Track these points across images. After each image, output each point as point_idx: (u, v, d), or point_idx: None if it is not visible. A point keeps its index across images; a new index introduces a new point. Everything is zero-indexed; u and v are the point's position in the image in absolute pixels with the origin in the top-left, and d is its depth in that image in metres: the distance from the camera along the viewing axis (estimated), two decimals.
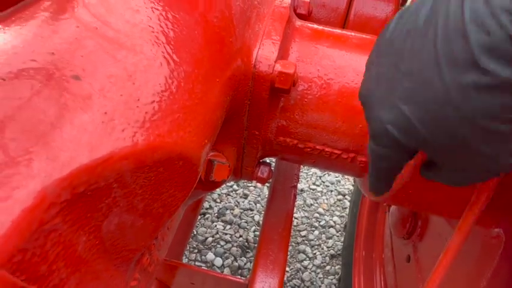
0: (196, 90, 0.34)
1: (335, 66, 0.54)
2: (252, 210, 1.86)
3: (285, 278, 1.34)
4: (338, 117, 0.54)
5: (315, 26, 0.61)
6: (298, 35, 0.57)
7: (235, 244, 1.71)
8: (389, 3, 0.78)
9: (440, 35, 0.24)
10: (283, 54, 0.53)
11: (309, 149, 0.58)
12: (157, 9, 0.34)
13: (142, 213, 0.31)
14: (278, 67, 0.48)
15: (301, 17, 0.65)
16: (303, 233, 1.82)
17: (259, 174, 0.66)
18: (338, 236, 1.83)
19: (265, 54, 0.48)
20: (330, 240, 1.81)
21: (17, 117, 0.21)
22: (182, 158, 0.31)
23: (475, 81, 0.22)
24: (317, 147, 0.57)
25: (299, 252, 1.74)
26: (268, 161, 0.79)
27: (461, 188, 0.36)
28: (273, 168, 0.73)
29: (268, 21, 0.52)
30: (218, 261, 1.63)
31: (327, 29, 0.61)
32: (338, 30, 0.60)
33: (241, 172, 0.65)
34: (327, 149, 0.57)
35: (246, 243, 1.73)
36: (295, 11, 0.64)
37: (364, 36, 0.60)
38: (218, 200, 1.88)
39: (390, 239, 1.00)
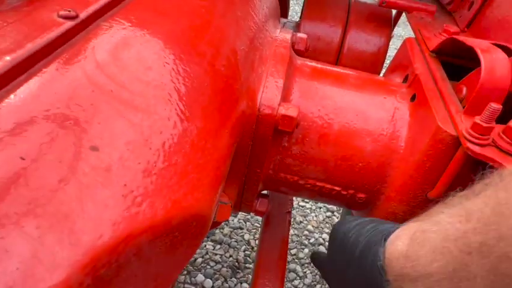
0: (208, 146, 0.34)
1: (335, 106, 0.55)
2: (241, 228, 1.84)
3: None
4: (338, 155, 0.55)
5: (314, 64, 0.62)
6: (299, 74, 0.58)
7: (225, 265, 1.68)
8: (381, 37, 0.81)
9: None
10: (285, 95, 0.54)
11: (309, 186, 0.59)
12: (168, 64, 0.35)
13: (154, 277, 0.30)
14: (282, 110, 0.48)
15: (298, 52, 0.66)
16: (293, 251, 1.82)
17: (257, 207, 0.66)
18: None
19: (269, 97, 0.49)
20: None
21: (38, 201, 0.21)
22: (197, 218, 0.31)
23: None
24: (317, 184, 0.58)
25: (290, 272, 1.73)
26: (265, 191, 0.79)
27: None
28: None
29: (270, 63, 0.53)
30: (208, 283, 1.60)
31: (325, 67, 0.62)
32: (335, 68, 0.62)
33: (241, 206, 0.65)
34: (327, 186, 0.58)
35: (236, 264, 1.70)
36: (293, 46, 0.66)
37: (359, 74, 0.62)
38: None
39: None
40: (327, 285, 1.70)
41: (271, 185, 0.62)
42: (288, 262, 1.76)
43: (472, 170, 0.46)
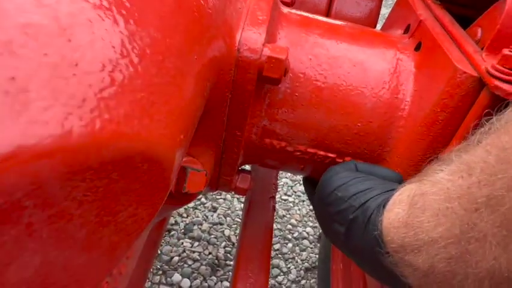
0: (167, 65, 0.24)
1: (329, 55, 0.46)
2: (221, 224, 1.74)
3: None
4: (333, 114, 0.46)
5: (304, 13, 0.53)
6: (286, 20, 0.49)
7: (204, 262, 1.57)
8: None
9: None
10: (271, 39, 0.44)
11: (299, 153, 0.50)
12: None
13: (84, 246, 0.20)
14: (267, 51, 0.39)
15: (284, 2, 0.57)
16: (277, 246, 1.73)
17: (238, 184, 0.57)
18: (311, 248, 1.76)
19: (251, 36, 0.39)
20: (304, 253, 1.73)
21: None
22: (148, 158, 0.21)
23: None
24: (309, 150, 0.49)
25: (273, 267, 1.64)
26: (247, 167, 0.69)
27: None
28: None
29: (252, 0, 0.44)
30: (185, 283, 1.48)
31: (316, 17, 0.54)
32: (328, 20, 0.54)
33: (218, 182, 0.55)
34: (320, 152, 0.49)
35: (216, 261, 1.59)
36: None
37: (355, 25, 0.54)
38: (184, 215, 1.73)
39: None
40: (312, 281, 1.63)
41: (254, 155, 0.53)
42: (272, 258, 1.67)
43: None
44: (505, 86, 0.33)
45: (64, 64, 0.17)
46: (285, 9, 0.53)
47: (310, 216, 1.90)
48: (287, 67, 0.40)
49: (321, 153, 0.49)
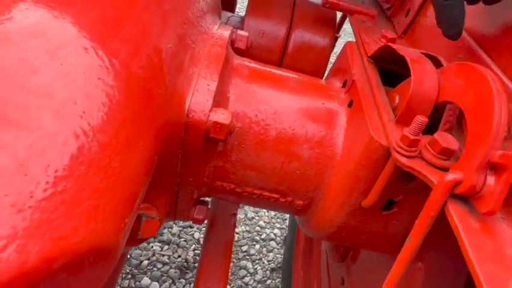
0: (113, 165, 0.29)
1: (273, 111, 0.53)
2: (191, 227, 1.79)
3: None
4: (276, 163, 0.53)
5: (253, 64, 0.59)
6: (236, 76, 0.54)
7: (173, 265, 1.62)
8: (325, 37, 0.81)
9: None
10: (219, 99, 0.50)
11: (246, 194, 0.56)
12: (63, 65, 0.29)
13: None
14: (213, 116, 0.45)
15: (238, 51, 0.63)
16: (244, 248, 1.81)
17: (195, 215, 0.62)
18: (278, 249, 1.85)
19: (199, 102, 0.45)
20: (271, 254, 1.83)
21: None
22: (94, 253, 0.26)
23: None
24: (255, 191, 0.56)
25: (240, 269, 1.73)
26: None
27: (392, 229, 0.49)
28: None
29: (203, 63, 0.49)
30: (154, 286, 1.53)
31: (265, 68, 0.59)
32: (276, 70, 0.60)
33: (175, 214, 0.61)
34: (265, 193, 0.56)
35: (185, 264, 1.65)
36: (232, 45, 0.62)
37: (300, 77, 0.60)
38: None
39: (326, 260, 1.03)
40: (277, 280, 1.73)
41: (208, 193, 0.58)
42: (239, 259, 1.76)
43: (402, 179, 0.47)
44: (403, 160, 0.41)
45: (21, 199, 0.22)
46: (236, 61, 0.58)
47: (278, 217, 1.99)
48: (231, 129, 0.46)
49: (266, 194, 0.56)
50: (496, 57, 0.50)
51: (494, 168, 0.34)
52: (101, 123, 0.29)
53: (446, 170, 0.40)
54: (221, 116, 0.45)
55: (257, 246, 1.83)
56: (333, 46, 0.82)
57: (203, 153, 0.49)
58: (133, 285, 1.52)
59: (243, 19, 0.85)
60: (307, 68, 0.82)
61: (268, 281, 1.72)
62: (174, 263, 1.64)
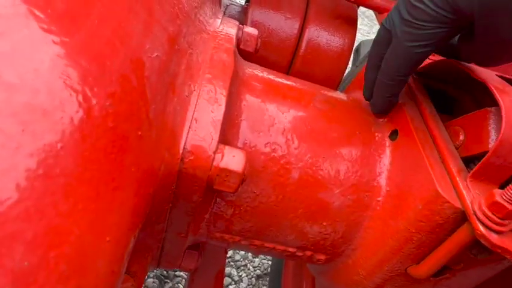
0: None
1: (296, 145, 0.39)
2: None
3: None
4: (297, 214, 0.39)
5: (266, 74, 0.45)
6: (247, 91, 0.40)
7: (151, 275, 1.48)
8: (344, 38, 0.67)
9: None
10: (227, 129, 0.36)
11: (254, 247, 0.43)
12: None
13: None
14: (220, 160, 0.31)
15: (245, 54, 0.48)
16: (229, 254, 1.70)
17: (183, 264, 0.49)
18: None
19: (199, 139, 0.30)
20: (256, 260, 1.72)
21: None
22: None
23: None
24: (266, 245, 0.43)
25: (224, 277, 1.61)
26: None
27: None
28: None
29: (204, 77, 0.34)
30: None
31: (281, 80, 0.45)
32: (292, 83, 0.46)
33: (160, 263, 0.47)
34: (278, 247, 0.43)
35: (165, 273, 1.52)
36: (238, 45, 0.47)
37: (325, 93, 0.47)
38: None
39: None
40: None
41: (205, 241, 0.45)
42: None
43: (470, 248, 0.35)
44: (493, 238, 0.29)
45: None
46: (247, 71, 0.43)
47: None
48: (245, 176, 0.32)
49: (280, 248, 0.43)
50: None
51: None
52: (25, 217, 0.15)
53: None
54: (231, 160, 0.31)
55: (242, 252, 1.71)
56: (352, 49, 0.69)
57: (201, 205, 0.35)
58: None
59: (245, 9, 0.70)
60: (320, 75, 0.68)
61: None
62: (152, 272, 1.50)
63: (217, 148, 0.31)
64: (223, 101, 0.33)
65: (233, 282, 1.61)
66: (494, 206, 0.29)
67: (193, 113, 0.31)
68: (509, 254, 0.28)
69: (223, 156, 0.31)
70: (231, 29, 0.44)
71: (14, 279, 0.14)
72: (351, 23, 0.67)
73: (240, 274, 1.65)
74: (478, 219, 0.30)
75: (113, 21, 0.25)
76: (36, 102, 0.18)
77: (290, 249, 0.43)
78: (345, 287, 0.46)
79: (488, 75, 0.36)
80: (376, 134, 0.43)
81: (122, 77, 0.24)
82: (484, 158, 0.32)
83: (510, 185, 0.28)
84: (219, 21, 0.45)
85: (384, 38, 0.38)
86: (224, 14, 0.69)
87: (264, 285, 1.65)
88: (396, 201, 0.38)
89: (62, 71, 0.20)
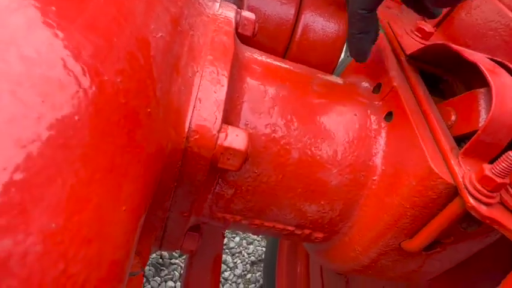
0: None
1: (295, 126, 0.40)
2: None
3: None
4: (297, 193, 0.41)
5: (264, 58, 0.45)
6: (248, 75, 0.41)
7: (147, 263, 1.49)
8: (339, 23, 0.68)
9: None
10: (230, 110, 0.36)
11: (255, 226, 0.45)
12: None
13: None
14: (223, 140, 0.31)
15: (243, 38, 0.49)
16: (224, 241, 1.72)
17: (184, 244, 0.50)
18: (258, 241, 1.78)
19: (203, 118, 0.31)
20: (251, 246, 1.75)
21: None
22: None
23: None
24: (266, 224, 0.44)
25: None
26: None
27: (428, 268, 0.43)
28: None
29: (206, 59, 0.35)
30: None
31: (279, 64, 0.46)
32: (292, 67, 0.47)
33: (161, 246, 0.48)
34: (278, 226, 0.45)
35: (160, 260, 1.53)
36: (236, 29, 0.48)
37: (322, 77, 0.48)
38: None
39: (320, 275, 0.95)
40: (257, 274, 1.67)
41: (207, 221, 0.46)
42: None
43: (461, 221, 0.37)
44: (482, 209, 0.30)
45: None
46: (246, 54, 0.44)
47: None
48: (248, 155, 0.33)
49: (279, 226, 0.45)
50: None
51: None
52: (41, 190, 0.16)
53: None
54: (235, 139, 0.32)
55: (237, 238, 1.74)
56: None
57: (204, 185, 0.36)
58: None
59: None
60: (316, 60, 0.69)
61: (249, 275, 1.65)
62: (148, 260, 1.52)
63: (220, 127, 0.32)
64: (225, 81, 0.34)
65: (228, 269, 1.64)
66: (484, 179, 0.31)
67: (197, 93, 0.32)
68: (497, 224, 0.30)
69: (226, 135, 0.32)
70: (229, 12, 0.44)
71: (44, 238, 0.15)
72: (345, 8, 0.67)
73: (235, 261, 1.68)
74: (469, 192, 0.31)
75: (117, 0, 0.26)
76: (53, 75, 0.18)
77: (289, 228, 0.45)
78: (342, 263, 0.48)
79: (479, 57, 0.38)
80: (372, 116, 0.44)
81: (129, 54, 0.25)
82: (474, 136, 0.34)
83: (499, 160, 0.30)
84: (218, 4, 0.46)
85: None
86: None
87: (258, 270, 1.68)
88: (391, 179, 0.40)
89: (74, 45, 0.21)
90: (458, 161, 0.34)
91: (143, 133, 0.24)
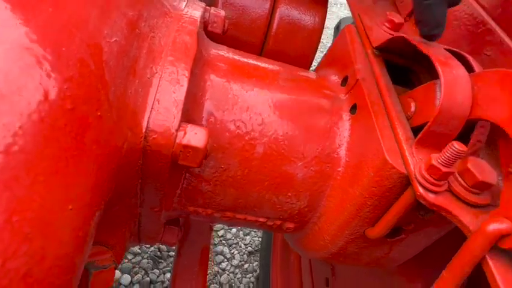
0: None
1: (259, 121, 0.41)
2: None
3: None
4: (264, 186, 0.42)
5: (231, 55, 0.46)
6: (212, 71, 0.42)
7: (145, 256, 1.53)
8: (315, 16, 0.68)
9: None
10: (190, 107, 0.38)
11: (227, 218, 0.46)
12: None
13: None
14: (182, 137, 0.33)
15: (213, 36, 0.49)
16: (221, 233, 1.75)
17: (163, 238, 0.52)
18: (255, 231, 1.81)
19: (161, 118, 0.33)
20: (247, 237, 1.78)
21: None
22: None
23: None
24: (237, 216, 0.46)
25: (217, 254, 1.67)
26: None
27: (395, 254, 0.44)
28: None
29: (166, 59, 0.36)
30: (126, 279, 1.44)
31: (246, 60, 0.47)
32: (259, 62, 0.47)
33: (140, 239, 0.50)
34: (249, 218, 0.46)
35: (159, 253, 1.57)
36: (206, 27, 0.49)
37: (290, 71, 0.49)
38: None
39: (309, 262, 0.98)
40: (254, 264, 1.70)
41: (180, 215, 0.48)
42: (215, 245, 1.70)
43: (418, 209, 0.38)
44: (430, 197, 0.32)
45: None
46: (212, 52, 0.45)
47: None
48: (208, 152, 0.35)
49: (251, 218, 0.46)
50: None
51: None
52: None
53: (479, 206, 0.32)
54: (193, 137, 0.33)
55: (233, 230, 1.77)
56: (323, 27, 0.70)
57: (170, 180, 0.38)
58: None
59: None
60: (293, 53, 0.70)
61: (246, 265, 1.69)
62: (146, 253, 1.55)
63: (179, 126, 0.33)
64: (185, 81, 0.35)
65: (225, 260, 1.67)
66: (431, 169, 0.32)
67: (155, 94, 0.33)
68: (444, 210, 0.32)
69: (185, 133, 0.33)
70: (195, 11, 0.45)
71: None
72: (321, 1, 0.68)
73: (232, 252, 1.71)
74: (418, 181, 0.33)
75: (68, 9, 0.27)
76: None
77: (260, 219, 0.46)
78: (314, 252, 0.49)
79: (436, 48, 0.39)
80: (337, 109, 0.45)
81: (79, 61, 0.26)
82: (425, 126, 0.35)
83: (443, 150, 0.31)
84: (184, 4, 0.46)
85: None
86: None
87: (255, 260, 1.72)
88: (354, 170, 0.41)
89: (18, 57, 0.22)
90: (412, 151, 0.36)
91: (93, 136, 0.25)
